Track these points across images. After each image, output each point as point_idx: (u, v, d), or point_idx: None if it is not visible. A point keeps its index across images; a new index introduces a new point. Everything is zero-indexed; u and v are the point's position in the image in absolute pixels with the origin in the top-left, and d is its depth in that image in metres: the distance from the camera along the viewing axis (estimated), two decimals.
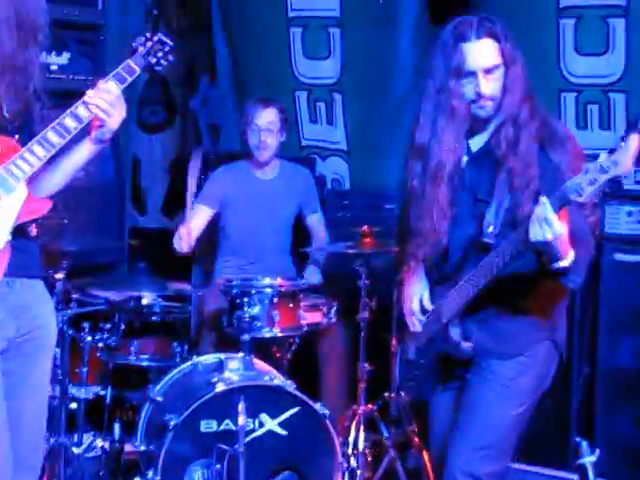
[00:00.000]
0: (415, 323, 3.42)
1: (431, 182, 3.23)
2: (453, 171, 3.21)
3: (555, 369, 3.33)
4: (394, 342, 4.57)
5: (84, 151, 3.02)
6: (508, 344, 3.23)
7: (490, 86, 3.13)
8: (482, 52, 3.12)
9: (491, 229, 3.12)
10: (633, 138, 2.61)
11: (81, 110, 2.90)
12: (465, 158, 3.26)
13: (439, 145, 3.20)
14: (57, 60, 5.17)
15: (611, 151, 2.65)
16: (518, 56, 3.17)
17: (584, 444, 2.28)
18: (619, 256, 4.85)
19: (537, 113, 3.18)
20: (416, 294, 3.44)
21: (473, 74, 3.12)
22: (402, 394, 4.76)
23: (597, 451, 2.29)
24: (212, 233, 5.41)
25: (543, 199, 2.79)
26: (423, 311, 3.41)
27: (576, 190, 2.68)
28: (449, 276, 3.28)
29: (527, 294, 3.21)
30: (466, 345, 3.24)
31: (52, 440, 4.38)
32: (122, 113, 2.96)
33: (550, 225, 2.77)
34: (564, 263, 2.88)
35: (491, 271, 3.04)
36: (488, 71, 3.12)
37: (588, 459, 2.27)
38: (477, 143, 3.28)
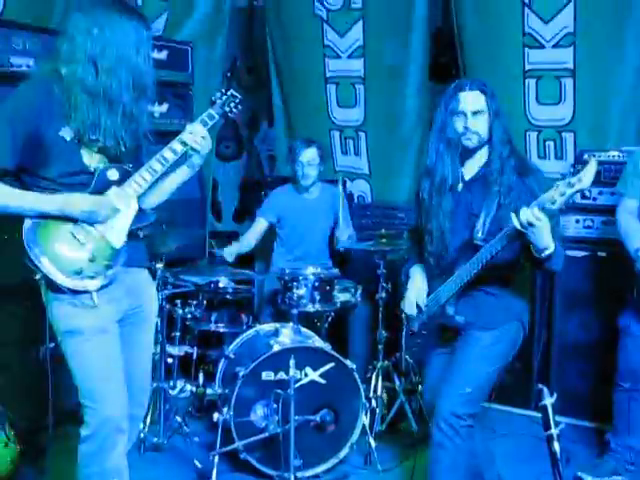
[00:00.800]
0: (414, 309, 3.45)
1: (437, 193, 3.26)
2: (452, 185, 3.25)
3: (520, 342, 3.35)
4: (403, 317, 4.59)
5: (180, 175, 3.06)
6: (488, 319, 3.25)
7: (475, 124, 3.16)
8: (472, 99, 3.16)
9: (480, 234, 3.14)
10: (593, 163, 2.66)
11: (177, 145, 2.93)
12: (460, 185, 3.28)
13: (441, 165, 3.23)
14: (159, 109, 5.20)
15: (574, 173, 2.67)
16: (501, 111, 3.20)
17: (545, 389, 2.26)
18: (569, 252, 4.83)
19: (514, 151, 3.23)
20: (418, 295, 3.45)
21: (464, 114, 3.15)
22: (406, 355, 4.78)
23: (555, 395, 2.26)
24: (268, 236, 5.40)
25: (523, 209, 2.82)
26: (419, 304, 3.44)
27: (550, 200, 2.70)
28: (446, 270, 3.29)
29: (499, 284, 3.24)
30: (459, 317, 3.26)
31: (154, 384, 4.40)
32: (208, 146, 2.99)
33: (538, 219, 2.77)
34: (548, 251, 2.89)
35: (480, 263, 3.07)
36: (475, 113, 3.15)
37: (548, 401, 2.25)
38: (469, 172, 3.29)
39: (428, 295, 3.42)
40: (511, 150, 3.21)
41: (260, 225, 5.27)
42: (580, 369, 4.83)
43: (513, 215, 2.87)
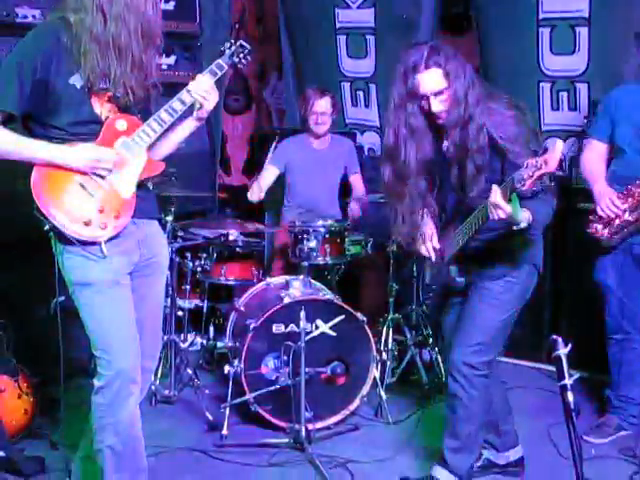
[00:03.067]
0: (432, 253, 3.39)
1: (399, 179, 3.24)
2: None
3: (535, 283, 3.33)
4: (414, 268, 4.58)
5: (187, 127, 3.04)
6: (493, 270, 3.24)
7: (439, 105, 3.05)
8: (430, 79, 3.01)
9: (473, 193, 3.11)
10: (558, 144, 2.64)
11: (185, 96, 2.91)
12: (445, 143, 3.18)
13: (404, 150, 3.14)
14: (166, 61, 5.17)
15: (543, 152, 2.63)
16: (460, 71, 3.03)
17: (559, 340, 2.25)
18: (582, 205, 4.79)
19: (493, 111, 3.06)
20: (430, 231, 3.40)
21: (426, 97, 3.04)
22: (417, 307, 4.78)
23: (569, 345, 2.25)
24: (279, 188, 5.37)
25: (494, 187, 2.82)
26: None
27: (519, 181, 2.68)
28: (446, 226, 3.33)
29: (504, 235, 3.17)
30: (460, 280, 3.30)
31: (165, 337, 4.42)
32: (215, 98, 2.97)
33: (500, 208, 2.79)
34: (522, 225, 2.91)
35: (473, 227, 3.10)
36: (437, 94, 3.03)
37: (562, 351, 2.24)
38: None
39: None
40: (492, 112, 3.05)
41: (269, 173, 5.22)
42: (591, 321, 4.79)
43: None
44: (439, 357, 4.66)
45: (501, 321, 3.26)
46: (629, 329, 4.03)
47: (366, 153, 6.22)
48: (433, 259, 3.40)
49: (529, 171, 2.63)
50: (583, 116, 4.99)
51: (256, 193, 5.03)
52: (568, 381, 2.24)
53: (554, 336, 2.28)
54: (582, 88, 5.13)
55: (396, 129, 3.12)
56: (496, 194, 2.79)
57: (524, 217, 2.90)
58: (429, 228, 3.40)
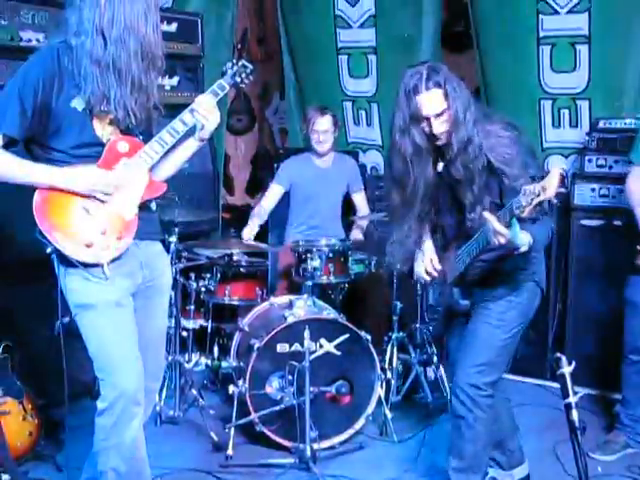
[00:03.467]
0: (433, 272, 3.39)
1: (406, 204, 3.23)
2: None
3: (539, 302, 3.32)
4: (418, 287, 4.58)
5: (189, 147, 3.04)
6: (498, 289, 3.24)
7: (440, 127, 3.04)
8: (431, 100, 3.00)
9: (473, 215, 3.10)
10: (555, 172, 2.62)
11: (187, 117, 2.92)
12: (440, 164, 3.18)
13: (410, 174, 3.12)
14: (169, 82, 5.19)
15: (541, 178, 2.64)
16: (459, 91, 3.03)
17: (563, 358, 2.25)
18: (584, 222, 4.82)
19: (490, 132, 3.06)
20: (429, 252, 3.41)
21: (427, 118, 3.03)
22: (421, 326, 4.77)
23: (573, 363, 2.25)
24: (282, 208, 5.38)
25: (487, 215, 2.85)
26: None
27: (518, 207, 2.68)
28: (446, 247, 3.35)
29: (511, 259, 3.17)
30: (464, 303, 3.30)
31: (170, 358, 4.42)
32: (217, 119, 2.97)
33: (500, 234, 2.82)
34: (523, 248, 2.93)
35: (470, 255, 3.14)
36: (438, 115, 3.02)
37: (567, 369, 2.24)
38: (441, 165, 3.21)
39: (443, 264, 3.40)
40: (489, 134, 3.05)
41: (274, 192, 5.23)
42: (596, 339, 4.82)
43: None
44: (444, 375, 4.65)
45: (504, 340, 3.24)
46: None
47: (369, 172, 6.23)
48: (433, 279, 3.41)
49: (527, 198, 2.63)
50: (585, 133, 5.00)
51: (249, 233, 5.03)
52: (573, 399, 2.24)
53: (558, 354, 2.28)
54: (583, 105, 5.14)
55: (403, 153, 3.09)
56: (494, 221, 2.81)
57: (524, 241, 2.91)
58: (429, 250, 3.40)
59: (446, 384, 4.60)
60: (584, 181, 4.82)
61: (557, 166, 2.62)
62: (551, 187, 2.58)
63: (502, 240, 2.84)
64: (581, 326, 4.92)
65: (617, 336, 4.43)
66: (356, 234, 5.25)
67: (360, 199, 5.43)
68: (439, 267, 3.35)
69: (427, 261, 3.37)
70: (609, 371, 4.62)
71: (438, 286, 3.45)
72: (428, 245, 3.40)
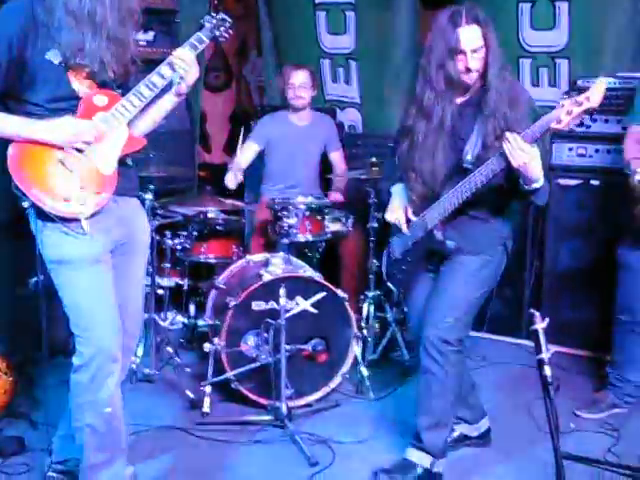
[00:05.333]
0: (403, 227, 3.43)
1: (434, 133, 3.23)
2: (449, 126, 3.22)
3: (504, 267, 3.37)
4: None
5: (167, 102, 3.02)
6: (474, 244, 3.27)
7: (475, 63, 3.12)
8: (470, 35, 3.09)
9: (469, 157, 3.14)
10: (601, 81, 2.62)
11: (165, 70, 2.88)
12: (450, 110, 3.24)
13: (441, 106, 3.20)
14: (144, 37, 5.15)
15: (579, 92, 2.67)
16: (494, 38, 3.13)
17: (537, 314, 2.28)
18: (562, 180, 4.85)
19: (507, 79, 3.17)
20: (401, 207, 3.45)
21: (463, 52, 3.10)
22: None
23: (547, 319, 2.29)
24: (259, 165, 5.37)
25: (513, 135, 2.83)
26: (407, 221, 3.43)
27: (556, 119, 2.70)
28: (434, 194, 3.29)
29: (488, 208, 3.25)
30: (450, 242, 3.27)
31: (146, 316, 4.39)
32: (196, 73, 2.95)
33: (525, 151, 2.80)
34: (537, 184, 2.93)
35: (471, 189, 3.09)
36: (474, 51, 3.10)
37: (540, 325, 2.27)
38: (460, 99, 3.27)
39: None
40: (504, 78, 3.15)
41: (249, 149, 5.20)
42: (572, 298, 4.88)
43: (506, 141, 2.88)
44: None
45: (476, 298, 3.30)
46: (638, 312, 4.01)
47: (346, 130, 6.21)
48: (404, 230, 3.43)
49: (566, 109, 2.66)
50: (562, 92, 5.00)
51: (232, 180, 4.99)
52: (545, 355, 2.28)
53: (531, 310, 2.32)
54: (562, 64, 5.14)
55: (435, 87, 3.17)
56: (517, 139, 2.82)
57: (540, 174, 2.92)
58: (402, 201, 3.45)
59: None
60: (562, 140, 4.84)
61: (602, 79, 2.64)
62: (596, 95, 2.60)
63: (525, 158, 2.82)
64: (558, 285, 4.98)
65: (594, 296, 4.52)
66: (334, 195, 5.25)
67: (337, 158, 5.43)
68: (412, 217, 3.39)
69: (401, 210, 3.44)
70: (587, 331, 4.73)
71: (403, 238, 3.47)
72: (399, 194, 3.48)
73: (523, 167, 2.86)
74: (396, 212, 3.47)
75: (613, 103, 4.47)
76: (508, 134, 2.87)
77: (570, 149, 4.83)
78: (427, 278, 3.45)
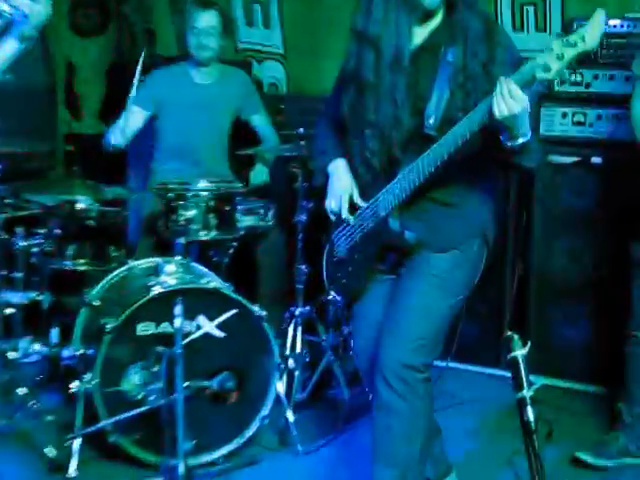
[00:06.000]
0: (348, 218, 3.42)
1: (390, 69, 3.19)
2: (408, 58, 3.19)
3: (484, 264, 3.36)
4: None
5: (8, 49, 2.96)
6: (443, 238, 3.26)
7: None
8: None
9: (432, 121, 3.12)
10: (599, 13, 2.60)
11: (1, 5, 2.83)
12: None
13: (395, 33, 3.16)
14: None
15: (577, 28, 2.61)
16: None
17: (515, 337, 2.28)
18: (553, 158, 4.89)
19: (481, 14, 3.18)
20: (346, 190, 3.44)
21: None
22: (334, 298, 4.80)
23: (528, 343, 2.28)
24: (148, 137, 5.33)
25: (502, 78, 2.77)
26: (352, 208, 3.41)
27: (542, 66, 2.65)
28: (387, 171, 3.26)
29: (459, 191, 3.25)
30: (409, 234, 3.24)
31: None
32: (44, 9, 2.89)
33: (515, 97, 2.75)
34: (524, 138, 2.89)
35: (435, 162, 3.04)
36: None
37: (519, 352, 2.27)
38: (415, 39, 3.24)
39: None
40: (476, 13, 3.16)
41: (134, 117, 5.14)
42: (568, 314, 4.95)
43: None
44: None
45: (448, 308, 3.28)
46: None
47: (266, 90, 6.25)
48: (349, 220, 3.42)
49: (557, 52, 2.61)
50: (556, 34, 5.05)
51: (119, 136, 4.95)
52: (527, 392, 2.28)
53: (509, 332, 2.31)
54: (554, 2, 5.19)
55: (386, 7, 3.15)
56: (508, 81, 2.75)
57: (527, 128, 2.88)
58: (344, 178, 3.46)
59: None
60: (553, 103, 4.88)
61: (599, 12, 2.62)
62: (592, 35, 2.56)
63: (514, 107, 2.75)
64: (548, 297, 5.05)
65: (599, 310, 4.56)
66: (258, 173, 5.23)
67: (261, 122, 5.46)
68: (361, 203, 3.37)
69: (345, 189, 3.43)
70: (589, 358, 4.78)
71: (348, 230, 3.46)
72: (342, 168, 3.48)
73: (510, 119, 2.83)
74: (338, 197, 3.45)
75: (620, 54, 4.53)
76: (502, 78, 2.80)
77: (564, 115, 4.89)
78: (382, 282, 3.44)
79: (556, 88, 4.82)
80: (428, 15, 3.21)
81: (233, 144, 5.43)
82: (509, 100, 2.77)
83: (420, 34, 3.24)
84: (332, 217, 3.52)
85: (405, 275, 3.32)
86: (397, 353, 3.19)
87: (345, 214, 3.42)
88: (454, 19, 3.15)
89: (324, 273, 3.66)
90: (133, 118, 5.10)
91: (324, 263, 3.65)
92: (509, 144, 2.91)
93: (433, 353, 3.27)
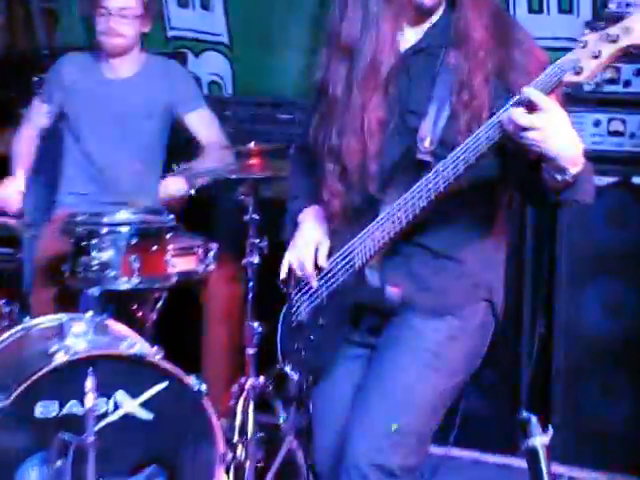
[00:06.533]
0: (311, 278, 3.40)
1: (362, 86, 3.17)
2: (389, 74, 3.17)
3: (490, 336, 3.33)
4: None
5: None
6: (437, 299, 3.22)
7: None
8: None
9: (428, 143, 3.08)
10: None
11: None
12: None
13: (373, 36, 3.15)
14: None
15: (609, 22, 2.59)
16: None
17: (533, 420, 2.27)
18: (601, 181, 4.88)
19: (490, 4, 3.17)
20: (313, 241, 3.42)
21: None
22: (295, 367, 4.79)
23: (550, 429, 2.27)
24: (50, 154, 5.31)
25: (524, 88, 2.69)
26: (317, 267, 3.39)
27: (574, 67, 2.59)
28: (367, 208, 3.23)
29: (460, 238, 3.20)
30: (391, 292, 3.19)
31: None
32: None
33: (552, 114, 2.65)
34: (576, 169, 2.73)
35: (428, 195, 2.98)
36: None
37: (539, 439, 2.25)
38: (407, 41, 3.25)
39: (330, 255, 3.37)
40: (485, 5, 3.14)
41: (37, 119, 5.20)
42: (604, 385, 4.95)
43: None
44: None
45: (441, 394, 3.25)
46: None
47: (205, 90, 6.28)
48: (313, 284, 3.39)
49: (591, 49, 2.56)
50: (584, 22, 5.09)
51: (13, 188, 4.95)
52: None
53: (525, 413, 2.30)
54: None
55: (366, 4, 3.15)
56: (535, 93, 2.65)
57: (575, 150, 2.73)
58: (312, 231, 3.43)
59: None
60: (582, 108, 4.90)
61: None
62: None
63: (535, 123, 2.62)
64: (578, 362, 5.03)
65: None
66: (171, 182, 5.11)
67: (201, 121, 5.41)
68: (324, 263, 3.35)
69: (309, 246, 3.38)
70: (633, 440, 4.76)
71: (311, 290, 3.44)
72: (312, 218, 3.44)
73: (549, 144, 2.78)
74: (301, 250, 3.43)
75: None
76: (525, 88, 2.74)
77: (597, 123, 4.90)
78: (354, 358, 3.41)
79: (585, 87, 4.83)
80: (424, 14, 3.21)
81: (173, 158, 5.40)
82: (521, 118, 2.71)
83: (414, 34, 3.24)
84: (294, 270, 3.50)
85: (384, 346, 3.27)
86: (367, 449, 3.15)
87: (308, 273, 3.40)
88: (457, 15, 3.14)
89: (278, 342, 3.63)
90: (36, 120, 5.15)
91: (280, 329, 3.62)
92: (557, 177, 2.78)
93: (416, 454, 3.22)
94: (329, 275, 3.36)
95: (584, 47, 2.60)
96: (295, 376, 3.86)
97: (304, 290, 3.49)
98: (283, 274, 3.49)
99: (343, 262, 3.30)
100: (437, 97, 3.11)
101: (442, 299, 3.21)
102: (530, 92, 2.63)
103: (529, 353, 5.11)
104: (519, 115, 2.65)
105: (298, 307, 3.52)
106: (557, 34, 5.15)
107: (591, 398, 4.94)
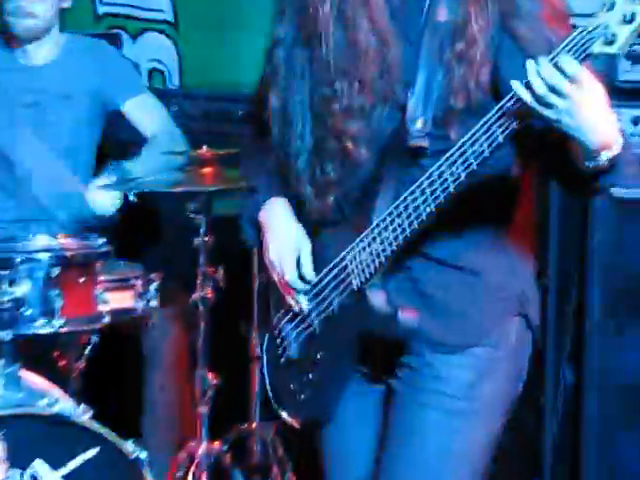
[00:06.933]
0: (298, 298, 3.31)
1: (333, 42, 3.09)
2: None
3: (529, 359, 3.28)
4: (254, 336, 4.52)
5: None
6: (455, 327, 3.14)
7: None
8: None
9: (420, 124, 3.01)
10: None
11: None
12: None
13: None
14: None
15: None
16: None
17: None
18: (620, 192, 4.81)
19: None
20: (289, 249, 3.34)
21: None
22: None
23: None
24: None
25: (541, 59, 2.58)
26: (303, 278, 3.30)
27: (604, 35, 2.51)
28: (355, 212, 3.17)
29: (479, 244, 3.12)
30: (406, 314, 3.09)
31: None
32: None
33: (584, 86, 2.56)
34: (609, 152, 2.68)
35: (434, 195, 2.89)
36: None
37: None
38: None
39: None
40: None
41: None
42: None
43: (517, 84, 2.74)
44: None
45: (479, 445, 3.19)
46: None
47: (144, 78, 6.28)
48: (303, 307, 3.29)
49: (624, 10, 2.47)
50: None
51: None
52: None
53: None
54: None
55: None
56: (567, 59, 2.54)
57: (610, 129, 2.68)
58: (287, 229, 3.34)
59: None
60: (617, 101, 4.82)
61: None
62: None
63: (566, 87, 2.53)
64: (614, 415, 4.99)
65: None
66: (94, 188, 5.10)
67: (143, 108, 5.41)
68: (311, 276, 3.26)
69: (290, 248, 3.30)
70: None
71: (299, 312, 3.35)
72: (283, 214, 3.36)
73: (576, 120, 2.65)
74: (280, 259, 3.35)
75: None
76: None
77: (636, 121, 4.88)
78: (363, 392, 3.34)
79: (620, 76, 4.82)
80: None
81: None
82: (547, 80, 2.63)
83: None
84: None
85: (403, 392, 3.20)
86: None
87: (300, 303, 3.31)
88: None
89: (267, 385, 3.56)
90: None
91: (264, 370, 3.55)
92: (587, 164, 2.74)
93: None
94: (319, 296, 3.28)
95: (612, 8, 2.53)
96: (296, 423, 3.85)
97: (288, 315, 3.42)
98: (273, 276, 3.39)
99: (335, 280, 3.23)
100: (426, 60, 3.05)
101: (462, 326, 3.14)
102: (563, 59, 2.52)
103: (553, 407, 5.09)
104: (549, 71, 2.55)
105: (284, 338, 3.45)
106: (581, 10, 5.14)
107: (629, 455, 4.94)
